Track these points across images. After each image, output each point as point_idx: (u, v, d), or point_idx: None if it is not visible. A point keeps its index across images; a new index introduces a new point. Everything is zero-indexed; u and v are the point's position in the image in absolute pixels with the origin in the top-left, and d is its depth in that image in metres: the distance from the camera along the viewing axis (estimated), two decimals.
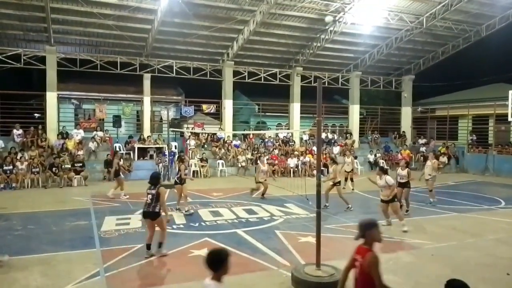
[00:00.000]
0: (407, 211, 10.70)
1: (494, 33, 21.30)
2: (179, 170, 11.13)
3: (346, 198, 11.47)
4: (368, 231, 3.93)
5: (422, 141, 25.01)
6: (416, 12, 19.36)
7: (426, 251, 7.45)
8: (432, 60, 24.87)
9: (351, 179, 15.47)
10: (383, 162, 21.88)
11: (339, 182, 11.92)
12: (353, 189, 14.99)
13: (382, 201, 9.16)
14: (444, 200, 12.84)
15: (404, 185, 10.54)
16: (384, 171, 9.25)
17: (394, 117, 28.08)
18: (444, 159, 21.95)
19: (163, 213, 7.05)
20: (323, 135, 22.71)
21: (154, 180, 7.20)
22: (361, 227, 3.98)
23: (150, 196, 6.99)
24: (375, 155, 22.53)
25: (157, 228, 7.12)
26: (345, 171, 15.40)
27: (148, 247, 6.98)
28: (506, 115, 19.92)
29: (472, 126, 24.51)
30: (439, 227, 9.43)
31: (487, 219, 10.38)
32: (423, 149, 23.87)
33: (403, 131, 26.60)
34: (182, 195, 10.84)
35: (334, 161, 12.55)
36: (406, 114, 26.99)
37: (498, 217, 10.59)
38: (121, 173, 13.97)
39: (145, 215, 7.09)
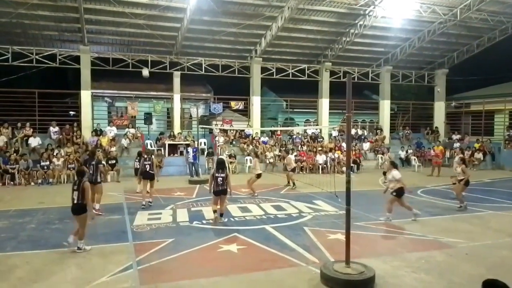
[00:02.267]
0: (460, 207, 10.64)
1: None
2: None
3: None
4: None
5: (456, 136, 24.25)
6: (450, 4, 18.71)
7: (460, 250, 7.25)
8: (466, 53, 24.01)
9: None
10: (415, 159, 21.41)
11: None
12: (385, 182, 14.80)
13: (391, 193, 9.55)
14: (479, 198, 12.43)
15: (460, 181, 10.82)
16: (394, 166, 9.74)
17: (426, 112, 27.34)
18: (479, 155, 21.23)
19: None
20: (353, 131, 22.41)
21: (222, 164, 9.24)
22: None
23: (220, 178, 9.02)
24: (407, 152, 22.06)
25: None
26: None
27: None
28: None
29: (509, 121, 23.57)
30: (473, 225, 9.14)
31: None
32: (457, 145, 23.15)
33: (436, 127, 25.87)
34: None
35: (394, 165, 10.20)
36: (439, 109, 26.22)
37: None
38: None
39: (220, 192, 9.07)
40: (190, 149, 17.39)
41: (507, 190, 14.42)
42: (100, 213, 9.83)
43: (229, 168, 18.80)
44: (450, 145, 23.55)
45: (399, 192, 9.35)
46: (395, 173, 9.38)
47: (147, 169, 11.17)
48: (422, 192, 13.52)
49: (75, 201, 7.11)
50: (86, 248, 7.08)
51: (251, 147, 20.41)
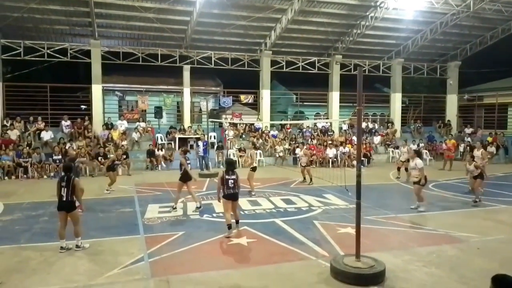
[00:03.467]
0: (475, 201, 10.57)
1: None
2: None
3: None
4: None
5: (468, 130, 23.94)
6: None
7: (472, 244, 7.17)
8: (480, 45, 23.60)
9: (405, 169, 14.87)
10: (426, 153, 21.19)
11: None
12: (398, 177, 14.75)
13: (414, 183, 9.83)
14: (492, 192, 12.26)
15: (476, 176, 10.81)
16: (418, 154, 10.08)
17: (438, 106, 27.00)
18: (492, 149, 20.93)
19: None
20: (364, 125, 22.24)
21: (232, 166, 8.02)
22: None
23: (231, 180, 7.72)
24: (418, 145, 21.80)
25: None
26: (401, 160, 15.37)
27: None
28: None
29: None
30: (486, 220, 9.04)
31: None
32: (469, 139, 22.85)
33: (448, 120, 25.55)
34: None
35: (418, 154, 10.67)
36: (452, 102, 25.88)
37: None
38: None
39: (232, 197, 7.78)
40: (200, 143, 17.44)
41: None
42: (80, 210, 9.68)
43: (238, 161, 18.91)
44: (462, 138, 23.26)
45: (425, 181, 9.70)
46: (418, 162, 9.72)
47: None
48: (434, 186, 13.38)
49: (64, 198, 6.78)
50: (85, 246, 6.93)
51: (260, 140, 20.40)
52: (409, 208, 9.90)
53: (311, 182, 13.86)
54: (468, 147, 21.83)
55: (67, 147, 16.48)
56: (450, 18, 19.95)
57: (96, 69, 19.78)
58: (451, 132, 24.14)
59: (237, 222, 8.06)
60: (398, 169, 15.36)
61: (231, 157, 18.84)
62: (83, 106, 22.55)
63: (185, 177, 9.89)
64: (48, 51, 19.32)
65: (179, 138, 19.62)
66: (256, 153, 13.07)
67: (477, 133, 23.45)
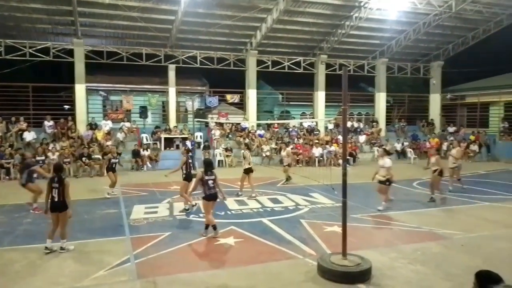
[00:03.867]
0: (431, 198, 10.75)
1: None
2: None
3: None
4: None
5: (451, 129, 24.35)
6: None
7: (456, 241, 7.30)
8: (462, 45, 24.03)
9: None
10: (410, 151, 21.48)
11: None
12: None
13: (379, 182, 9.75)
14: (475, 190, 12.51)
15: (434, 172, 10.72)
16: (387, 153, 10.05)
17: (422, 105, 27.37)
18: (474, 147, 21.34)
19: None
20: (349, 124, 22.42)
21: (210, 166, 7.82)
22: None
23: (211, 181, 7.57)
24: (402, 144, 22.13)
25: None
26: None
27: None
28: None
29: (504, 113, 23.66)
30: (469, 217, 9.21)
31: None
32: (452, 138, 23.24)
33: (432, 119, 25.95)
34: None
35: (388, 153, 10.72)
36: (435, 102, 26.29)
37: None
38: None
39: (213, 197, 7.64)
40: (188, 143, 17.37)
41: (503, 181, 14.51)
42: (36, 211, 9.45)
43: (225, 161, 18.89)
44: (445, 137, 23.64)
45: (390, 181, 9.64)
46: (387, 161, 9.70)
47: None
48: (418, 184, 13.59)
49: (56, 199, 6.75)
50: (70, 248, 6.82)
51: (247, 140, 20.38)
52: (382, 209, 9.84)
53: (287, 182, 13.88)
54: (451, 146, 22.22)
55: (24, 152, 15.85)
56: (432, 19, 20.26)
57: (80, 68, 19.50)
58: (435, 131, 24.55)
59: (214, 227, 7.62)
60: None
61: (218, 156, 18.86)
62: (66, 106, 22.21)
63: (189, 177, 9.82)
64: (30, 50, 18.97)
65: (164, 138, 19.48)
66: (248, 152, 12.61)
67: (460, 131, 23.87)
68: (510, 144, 21.35)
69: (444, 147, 21.66)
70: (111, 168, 11.74)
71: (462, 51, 24.46)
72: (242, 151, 12.78)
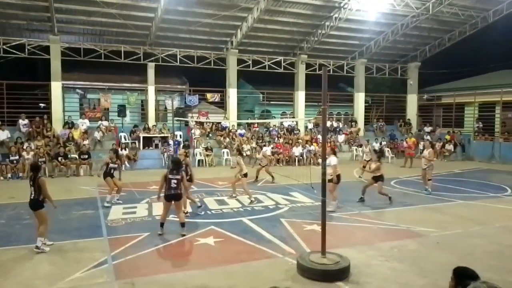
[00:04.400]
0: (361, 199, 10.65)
1: (502, 19, 20.94)
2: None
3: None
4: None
5: (428, 129, 24.87)
6: None
7: (431, 239, 7.46)
8: (438, 46, 24.57)
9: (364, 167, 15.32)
10: (388, 151, 21.82)
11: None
12: (360, 177, 15.08)
13: (328, 180, 9.33)
14: (450, 188, 12.82)
15: (377, 179, 10.56)
16: (333, 152, 10.07)
17: (399, 105, 27.86)
18: (450, 146, 21.84)
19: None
20: (328, 124, 22.62)
21: (177, 165, 7.84)
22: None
23: (175, 180, 7.52)
24: (381, 143, 22.44)
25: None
26: (365, 160, 15.75)
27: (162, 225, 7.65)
28: None
29: (479, 113, 24.32)
30: (444, 215, 9.42)
31: (493, 207, 10.35)
32: (428, 137, 23.74)
33: (409, 119, 26.44)
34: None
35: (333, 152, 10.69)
36: (412, 102, 26.79)
37: (504, 204, 10.56)
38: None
39: (172, 197, 7.59)
40: (171, 142, 17.21)
41: (477, 180, 14.92)
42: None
43: (205, 161, 18.79)
44: (422, 137, 24.10)
45: (338, 179, 9.73)
46: (333, 159, 9.63)
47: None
48: (396, 183, 13.82)
49: (31, 197, 6.80)
50: (45, 249, 6.65)
51: (227, 139, 20.34)
52: (381, 206, 10.05)
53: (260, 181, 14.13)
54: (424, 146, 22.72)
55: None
56: (410, 20, 20.63)
57: (56, 65, 19.06)
58: (412, 131, 25.00)
59: (182, 225, 7.60)
60: (364, 167, 15.66)
61: (198, 156, 18.75)
62: (42, 104, 21.68)
63: (191, 178, 9.73)
64: (4, 46, 18.43)
65: (143, 137, 19.25)
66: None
67: (436, 131, 24.40)
68: (484, 143, 21.96)
69: (421, 146, 22.10)
70: (108, 174, 10.42)
71: (438, 52, 25.01)
72: (236, 158, 12.06)
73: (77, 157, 16.40)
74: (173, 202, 7.65)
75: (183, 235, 7.49)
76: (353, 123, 24.95)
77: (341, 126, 24.77)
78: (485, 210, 9.96)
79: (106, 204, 10.14)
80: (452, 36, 23.37)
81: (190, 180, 9.65)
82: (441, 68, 27.25)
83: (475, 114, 23.97)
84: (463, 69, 27.45)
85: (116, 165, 10.66)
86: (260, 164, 14.78)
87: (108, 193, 10.42)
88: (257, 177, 14.34)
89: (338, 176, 9.77)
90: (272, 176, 14.28)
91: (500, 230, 8.09)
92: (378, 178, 10.53)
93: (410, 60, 26.32)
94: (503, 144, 20.86)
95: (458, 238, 7.54)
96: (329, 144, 13.46)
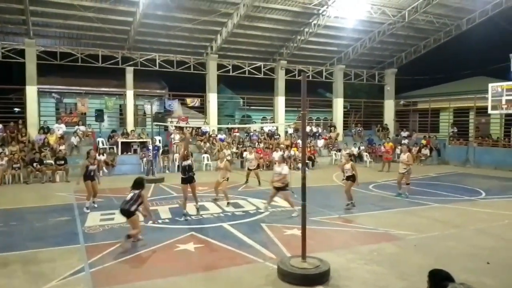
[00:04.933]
0: (348, 204, 10.53)
1: (475, 27, 21.66)
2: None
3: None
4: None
5: (404, 133, 25.35)
6: (398, 5, 19.53)
7: (409, 242, 7.58)
8: (414, 53, 25.17)
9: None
10: (366, 155, 22.15)
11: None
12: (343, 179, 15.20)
13: (277, 188, 9.78)
14: (426, 192, 13.07)
15: (348, 178, 10.57)
16: (284, 160, 10.33)
17: (377, 110, 28.35)
18: (426, 151, 22.32)
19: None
20: (308, 129, 22.80)
21: (138, 185, 7.47)
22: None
23: (129, 196, 7.32)
24: (359, 148, 22.76)
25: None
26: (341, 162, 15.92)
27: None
28: (486, 108, 20.44)
29: (453, 118, 24.96)
30: (421, 218, 9.60)
31: (468, 210, 10.59)
32: (405, 141, 24.18)
33: (386, 124, 26.91)
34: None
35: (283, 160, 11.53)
36: (389, 107, 27.31)
37: (478, 207, 10.82)
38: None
39: (122, 212, 7.36)
40: (150, 147, 17.03)
41: (452, 184, 15.27)
42: None
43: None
44: (399, 141, 24.52)
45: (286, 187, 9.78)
46: (285, 168, 9.82)
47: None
48: (374, 187, 14.02)
49: None
50: None
51: (208, 144, 20.24)
52: (362, 210, 10.21)
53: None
54: (401, 151, 23.14)
55: None
56: (387, 28, 21.08)
57: (31, 69, 18.63)
58: (389, 136, 25.46)
59: (128, 236, 7.12)
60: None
61: (177, 162, 18.57)
62: (16, 109, 21.13)
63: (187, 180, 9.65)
64: None
65: (122, 142, 18.98)
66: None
67: (412, 136, 24.90)
68: (459, 148, 22.53)
69: (398, 151, 22.50)
70: (88, 177, 10.24)
71: (414, 59, 25.62)
72: (224, 162, 12.00)
73: (53, 162, 16.02)
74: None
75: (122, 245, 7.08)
76: (332, 128, 25.23)
77: (320, 131, 25.00)
78: (461, 213, 10.18)
79: (86, 210, 9.99)
80: (427, 43, 23.97)
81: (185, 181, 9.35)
82: (417, 74, 27.93)
83: (450, 120, 24.59)
84: (438, 76, 28.26)
85: (95, 166, 10.59)
86: (249, 168, 14.88)
87: (86, 199, 10.29)
88: (247, 180, 14.85)
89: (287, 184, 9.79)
90: (247, 181, 14.58)
91: (475, 233, 8.29)
92: (349, 178, 10.56)
93: (387, 66, 26.85)
94: (477, 148, 21.42)
95: (434, 240, 7.69)
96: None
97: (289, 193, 9.76)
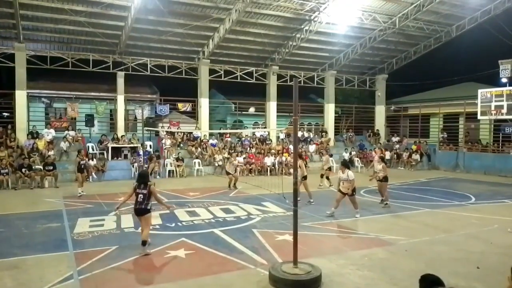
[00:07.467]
0: (386, 204, 11.36)
1: (464, 33, 21.94)
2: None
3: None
4: None
5: (395, 139, 25.53)
6: (389, 12, 19.74)
7: (400, 246, 7.60)
8: (404, 59, 25.41)
9: (327, 177, 15.69)
10: (358, 161, 22.23)
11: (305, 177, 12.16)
12: (330, 185, 15.22)
13: (341, 192, 10.06)
14: (416, 197, 13.14)
15: (382, 179, 11.39)
16: (346, 166, 10.21)
17: (368, 116, 28.53)
18: (416, 156, 22.47)
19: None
20: (299, 134, 22.84)
21: (143, 178, 7.36)
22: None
23: (141, 195, 7.12)
24: (350, 153, 22.83)
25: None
26: (323, 168, 15.85)
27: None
28: (475, 114, 20.66)
29: (443, 124, 25.20)
30: (412, 223, 9.63)
31: (458, 214, 10.66)
32: (396, 146, 24.39)
33: (377, 129, 27.07)
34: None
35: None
36: (380, 113, 27.48)
37: (468, 212, 10.90)
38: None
39: (137, 212, 7.24)
40: (141, 152, 16.92)
41: (442, 189, 15.38)
42: None
43: (176, 171, 18.55)
44: (390, 147, 24.74)
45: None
46: (350, 173, 9.98)
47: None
48: (365, 192, 14.06)
49: None
50: None
51: (199, 149, 20.17)
52: (352, 215, 10.24)
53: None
54: (395, 155, 23.36)
55: None
56: (378, 34, 21.27)
57: (21, 74, 18.43)
58: (380, 141, 25.60)
59: (143, 243, 7.05)
60: (322, 176, 15.79)
61: (169, 166, 18.50)
62: (5, 114, 20.89)
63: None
64: None
65: (112, 147, 18.83)
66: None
67: (403, 141, 25.07)
68: (448, 153, 22.72)
69: (388, 156, 22.67)
70: (80, 169, 13.43)
71: (405, 65, 25.87)
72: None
73: (42, 168, 15.83)
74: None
75: (146, 254, 6.97)
76: (323, 133, 25.31)
77: (312, 136, 25.06)
78: (450, 218, 10.24)
79: (78, 194, 12.82)
80: (417, 50, 24.22)
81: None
82: (407, 80, 28.17)
83: (440, 125, 24.82)
84: (428, 82, 28.51)
85: (85, 161, 14.13)
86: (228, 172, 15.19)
87: (78, 186, 13.13)
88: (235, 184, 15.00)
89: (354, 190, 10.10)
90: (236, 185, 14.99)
91: (465, 237, 8.33)
92: (383, 179, 11.46)
93: (378, 72, 27.07)
94: (466, 153, 21.63)
95: (425, 245, 7.72)
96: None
97: (355, 197, 10.17)
